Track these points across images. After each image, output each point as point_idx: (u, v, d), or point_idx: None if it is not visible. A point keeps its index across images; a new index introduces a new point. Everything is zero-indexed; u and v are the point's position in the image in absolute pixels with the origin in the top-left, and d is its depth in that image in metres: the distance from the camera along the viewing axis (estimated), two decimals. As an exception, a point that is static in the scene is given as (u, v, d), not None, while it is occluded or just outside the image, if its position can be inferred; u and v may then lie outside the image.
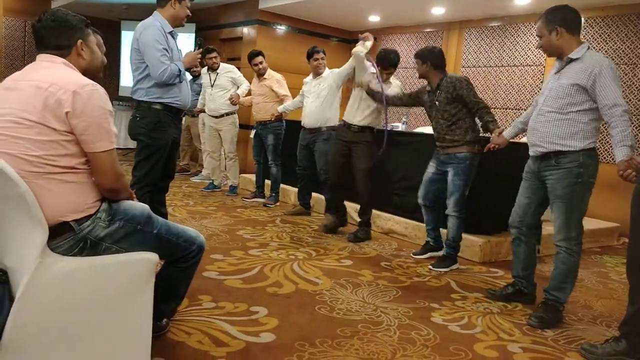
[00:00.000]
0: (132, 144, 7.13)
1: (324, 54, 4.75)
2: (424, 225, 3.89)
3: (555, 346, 2.47)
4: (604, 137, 5.20)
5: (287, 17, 7.51)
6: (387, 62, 4.08)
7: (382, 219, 4.59)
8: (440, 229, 3.86)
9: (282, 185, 5.61)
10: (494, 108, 6.49)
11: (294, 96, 5.35)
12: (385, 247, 4.11)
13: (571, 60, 2.62)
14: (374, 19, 7.26)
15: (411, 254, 3.91)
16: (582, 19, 5.67)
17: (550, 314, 2.72)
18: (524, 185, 2.91)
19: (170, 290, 2.07)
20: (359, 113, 4.18)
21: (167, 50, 3.01)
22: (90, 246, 1.70)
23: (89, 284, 1.66)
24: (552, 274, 2.78)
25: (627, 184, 2.35)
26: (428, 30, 7.27)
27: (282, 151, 5.43)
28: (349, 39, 8.09)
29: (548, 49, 2.73)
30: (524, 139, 3.66)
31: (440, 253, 3.79)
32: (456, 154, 3.49)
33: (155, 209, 2.29)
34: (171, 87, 3.06)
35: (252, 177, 6.04)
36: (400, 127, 5.09)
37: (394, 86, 4.16)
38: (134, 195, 1.95)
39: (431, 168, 3.69)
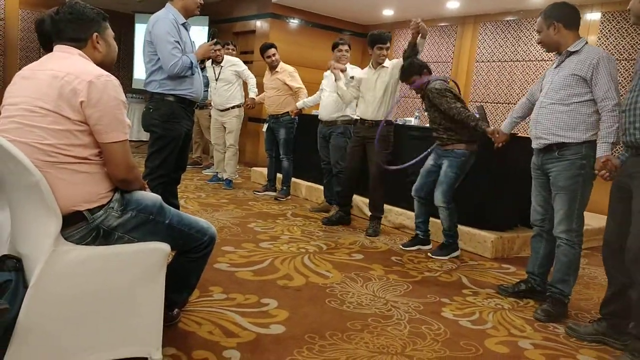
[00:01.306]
0: (146, 137, 7.17)
1: (349, 47, 4.69)
2: (416, 218, 3.92)
3: (567, 343, 2.45)
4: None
5: (300, 11, 7.49)
6: (384, 37, 4.10)
7: (394, 214, 4.58)
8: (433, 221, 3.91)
9: (293, 179, 5.61)
10: (508, 103, 6.43)
11: (307, 89, 5.35)
12: (397, 241, 4.10)
13: (570, 54, 2.68)
14: (388, 12, 7.22)
15: (400, 246, 3.94)
16: (599, 14, 5.61)
17: (556, 307, 2.73)
18: (534, 184, 2.91)
19: (181, 281, 2.08)
20: (370, 108, 4.16)
21: (179, 43, 3.01)
22: (102, 235, 1.71)
23: (101, 273, 1.68)
24: (554, 267, 2.79)
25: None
26: (442, 24, 7.20)
27: (294, 145, 5.43)
28: (362, 33, 8.04)
29: (546, 44, 2.78)
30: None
31: (428, 247, 3.88)
32: (454, 149, 3.56)
33: (167, 201, 2.30)
34: (184, 79, 3.07)
35: (264, 170, 6.05)
36: (412, 121, 5.06)
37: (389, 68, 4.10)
38: (147, 186, 1.96)
39: (430, 161, 3.76)
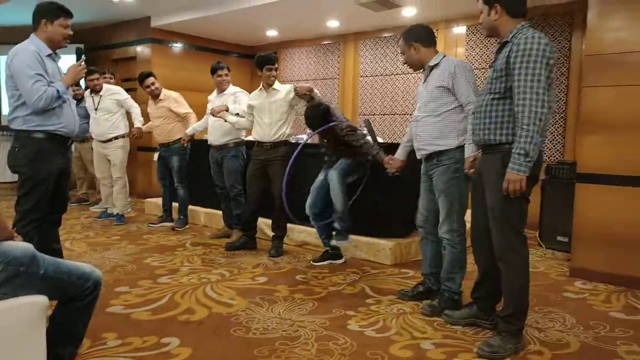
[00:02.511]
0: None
1: (228, 69, 4.68)
2: (320, 235, 4.06)
3: (464, 338, 2.58)
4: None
5: (182, 35, 7.34)
6: (272, 58, 4.16)
7: (295, 232, 4.58)
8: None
9: (190, 207, 5.43)
10: (393, 114, 6.76)
11: (197, 113, 5.22)
12: (300, 259, 4.10)
13: (432, 68, 2.91)
14: (272, 33, 7.30)
15: (311, 262, 4.02)
16: (465, 27, 6.08)
17: (445, 303, 2.89)
18: (422, 187, 3.08)
19: (66, 333, 1.90)
20: (268, 129, 4.15)
21: (42, 75, 2.79)
22: (-36, 296, 1.52)
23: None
24: (443, 266, 2.97)
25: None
26: (325, 42, 7.43)
27: (189, 171, 5.26)
28: (248, 54, 8.06)
29: (411, 64, 3.02)
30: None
31: (341, 261, 4.02)
32: (343, 159, 3.82)
33: (46, 246, 2.11)
34: (52, 112, 2.84)
35: (158, 200, 5.79)
36: (305, 138, 5.12)
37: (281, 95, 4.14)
38: (15, 235, 1.77)
39: (320, 176, 3.97)
